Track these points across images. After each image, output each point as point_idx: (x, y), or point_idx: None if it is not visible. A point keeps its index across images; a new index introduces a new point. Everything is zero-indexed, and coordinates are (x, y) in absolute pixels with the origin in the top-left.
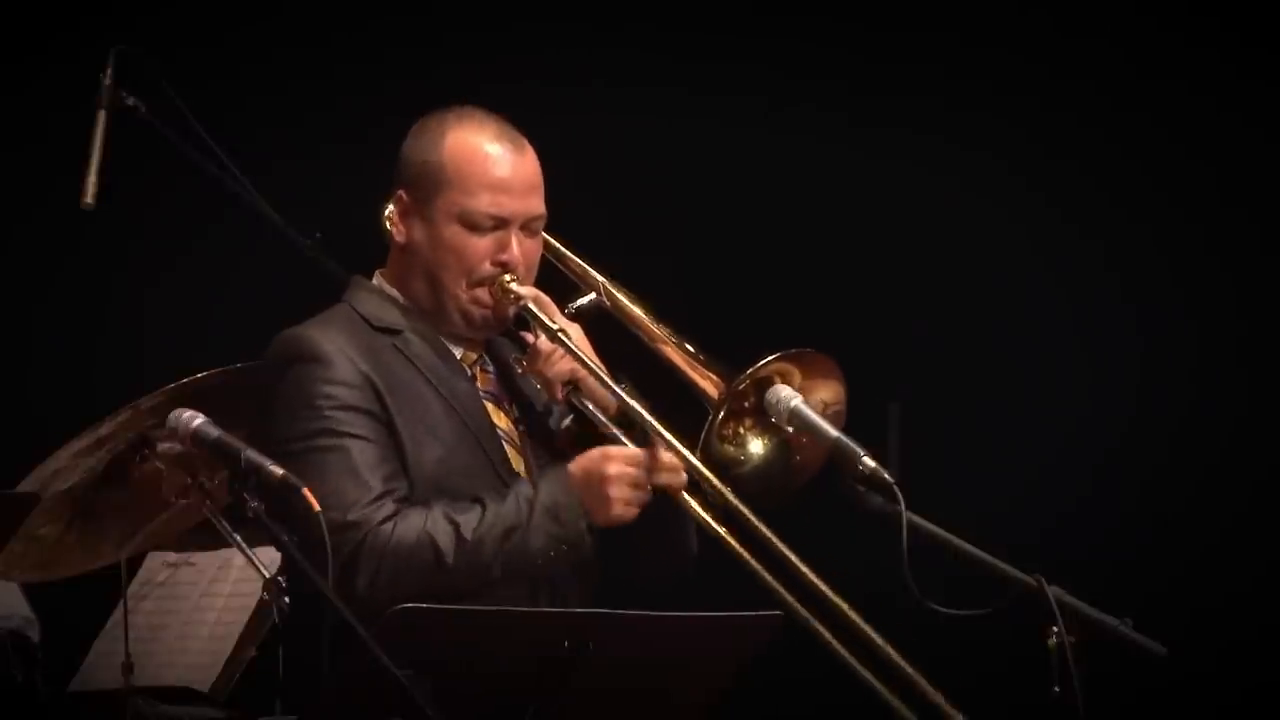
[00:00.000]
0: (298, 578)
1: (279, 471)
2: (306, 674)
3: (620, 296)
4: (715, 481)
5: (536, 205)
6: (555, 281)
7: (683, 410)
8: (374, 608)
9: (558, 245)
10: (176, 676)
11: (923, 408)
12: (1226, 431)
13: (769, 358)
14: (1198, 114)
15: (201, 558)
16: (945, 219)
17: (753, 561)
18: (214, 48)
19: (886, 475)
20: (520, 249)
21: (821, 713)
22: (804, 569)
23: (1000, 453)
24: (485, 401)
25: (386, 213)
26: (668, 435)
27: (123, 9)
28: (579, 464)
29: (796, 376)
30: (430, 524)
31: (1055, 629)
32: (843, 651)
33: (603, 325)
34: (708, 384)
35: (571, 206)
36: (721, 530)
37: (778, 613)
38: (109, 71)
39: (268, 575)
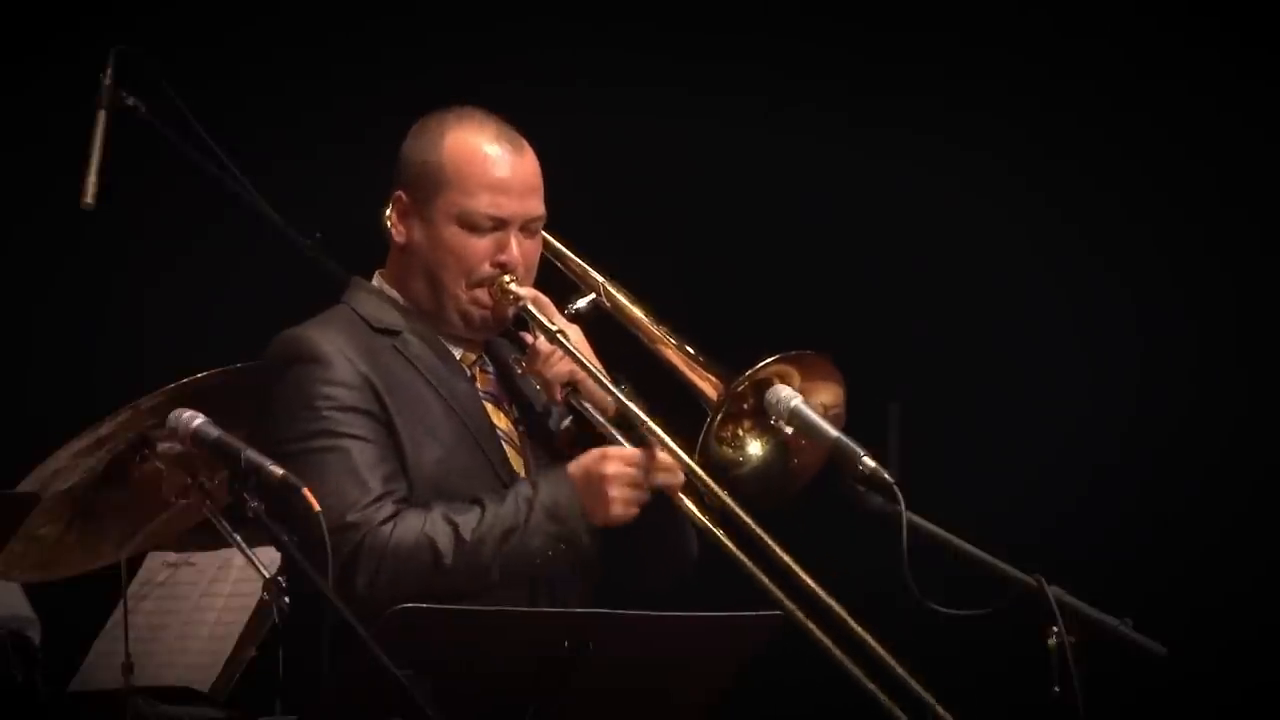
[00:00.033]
0: (298, 578)
1: (279, 471)
2: (306, 674)
3: (620, 297)
4: (711, 484)
5: (536, 206)
6: (555, 282)
7: (682, 412)
8: (373, 608)
9: (557, 245)
10: (176, 676)
11: (923, 408)
12: (1226, 431)
13: (768, 360)
14: (1198, 114)
15: (201, 558)
16: (945, 219)
17: (749, 563)
18: (214, 48)
19: (886, 475)
20: (519, 250)
21: (820, 713)
22: (799, 571)
23: (1000, 453)
24: (485, 402)
25: (386, 213)
26: (665, 437)
27: (123, 9)
28: (578, 464)
29: (796, 378)
30: (429, 525)
31: (1055, 629)
32: (838, 653)
33: (602, 326)
34: (707, 386)
35: (571, 206)
36: (719, 533)
37: (777, 613)
38: (109, 71)
39: (268, 575)
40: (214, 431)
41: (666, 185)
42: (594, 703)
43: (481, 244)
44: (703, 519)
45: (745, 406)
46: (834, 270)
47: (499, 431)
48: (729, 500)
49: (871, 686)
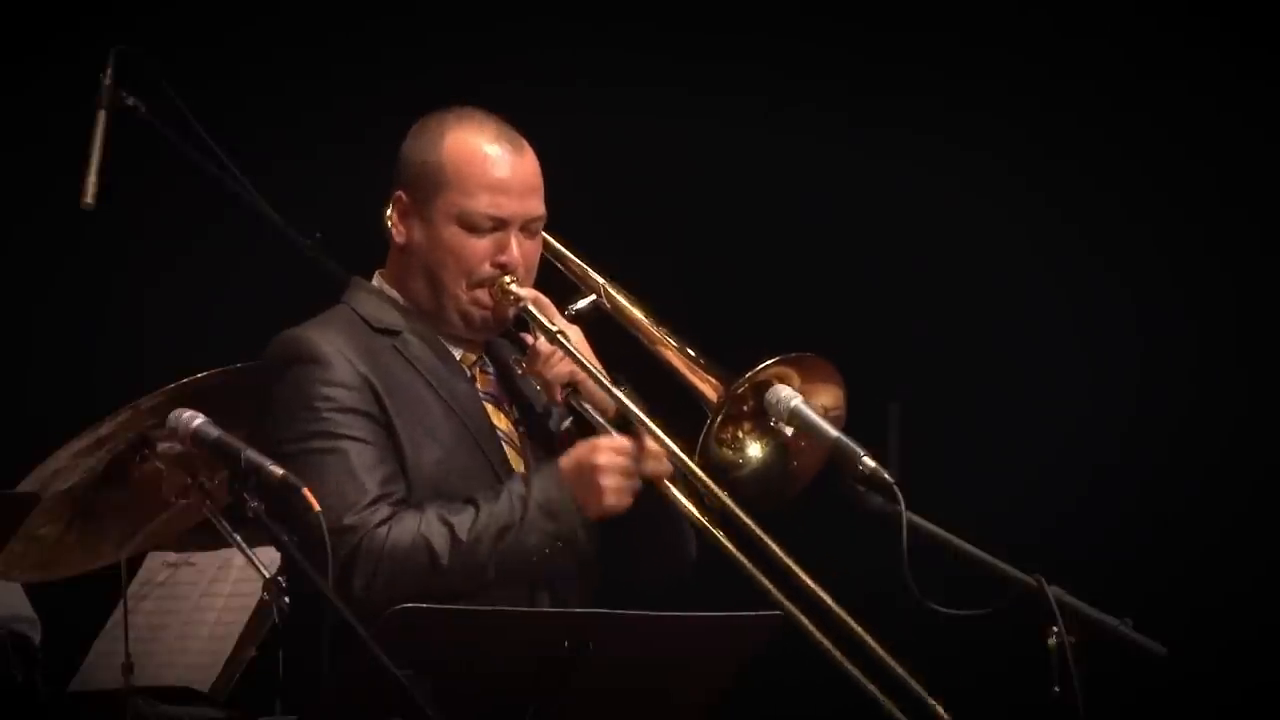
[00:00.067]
0: (298, 578)
1: (279, 471)
2: (306, 674)
3: (620, 298)
4: (710, 484)
5: (536, 206)
6: (555, 283)
7: (681, 413)
8: (371, 610)
9: (558, 246)
10: (176, 676)
11: (923, 408)
12: (1226, 431)
13: (768, 361)
14: (1198, 114)
15: (201, 558)
16: (945, 219)
17: (748, 563)
18: (214, 48)
19: (886, 475)
20: (519, 250)
21: (820, 713)
22: (799, 571)
23: (1000, 453)
24: (485, 403)
25: (387, 213)
26: (666, 439)
27: (123, 9)
28: (569, 458)
29: (796, 380)
30: (425, 526)
31: (1055, 629)
32: (837, 654)
33: (602, 327)
34: (707, 387)
35: (571, 206)
36: (719, 533)
37: (777, 613)
38: (109, 71)
39: (268, 575)
40: (214, 431)
41: (666, 185)
42: (594, 703)
43: (481, 244)
44: (702, 519)
45: (745, 408)
46: (834, 270)
47: (499, 432)
48: (728, 501)
49: (871, 687)
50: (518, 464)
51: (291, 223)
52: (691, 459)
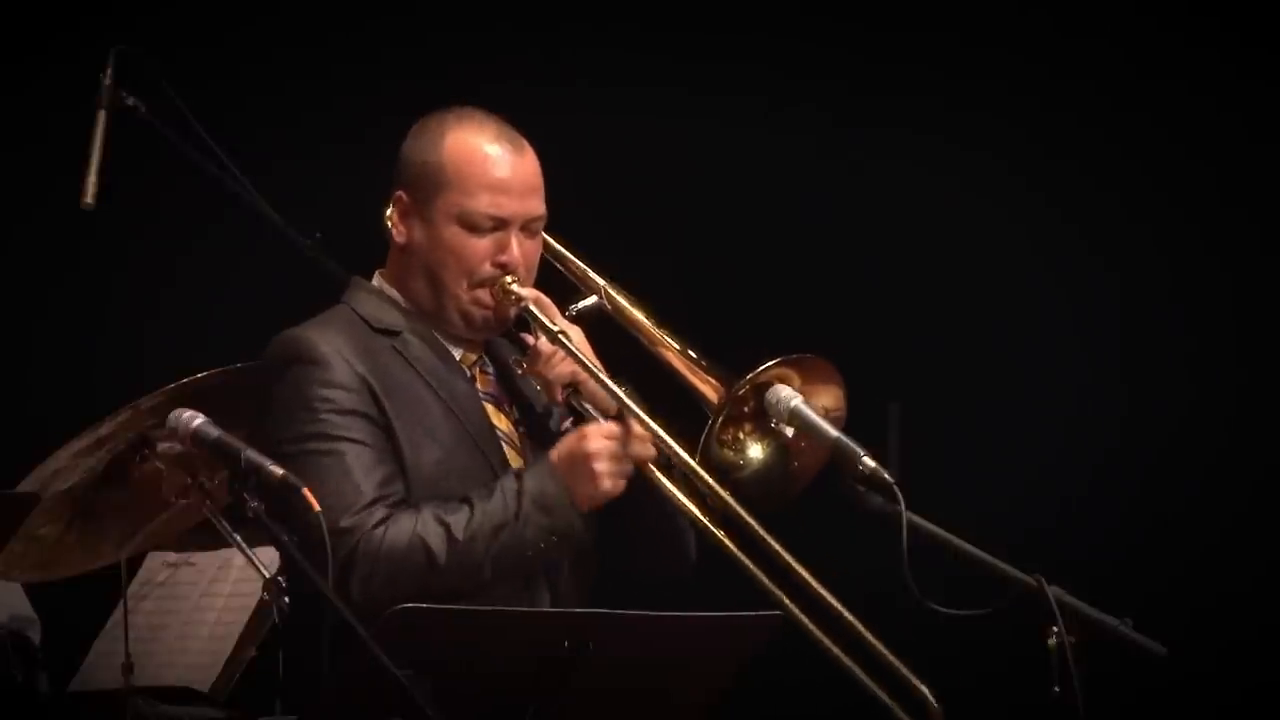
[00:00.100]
0: (298, 578)
1: (279, 472)
2: (306, 674)
3: (621, 299)
4: (710, 482)
5: (536, 206)
6: (556, 283)
7: (682, 414)
8: (370, 611)
9: (558, 247)
10: (176, 676)
11: (923, 408)
12: (1226, 432)
13: (769, 363)
14: (1198, 114)
15: (201, 558)
16: (945, 219)
17: (748, 561)
18: (214, 48)
19: (886, 475)
20: (520, 250)
21: (820, 713)
22: (800, 569)
23: (1000, 453)
24: (485, 403)
25: (387, 213)
26: (668, 439)
27: (123, 9)
28: (559, 449)
29: (796, 381)
30: (421, 526)
31: (1055, 629)
32: (837, 651)
33: (603, 328)
34: (708, 388)
35: (571, 206)
36: (706, 518)
37: (777, 613)
38: (109, 71)
39: (268, 575)
40: (214, 431)
41: (666, 185)
42: (594, 703)
43: (482, 244)
44: (703, 519)
45: (746, 409)
46: (834, 271)
47: (499, 433)
48: (731, 501)
49: (873, 685)
50: (517, 464)
51: (291, 223)
52: (693, 460)
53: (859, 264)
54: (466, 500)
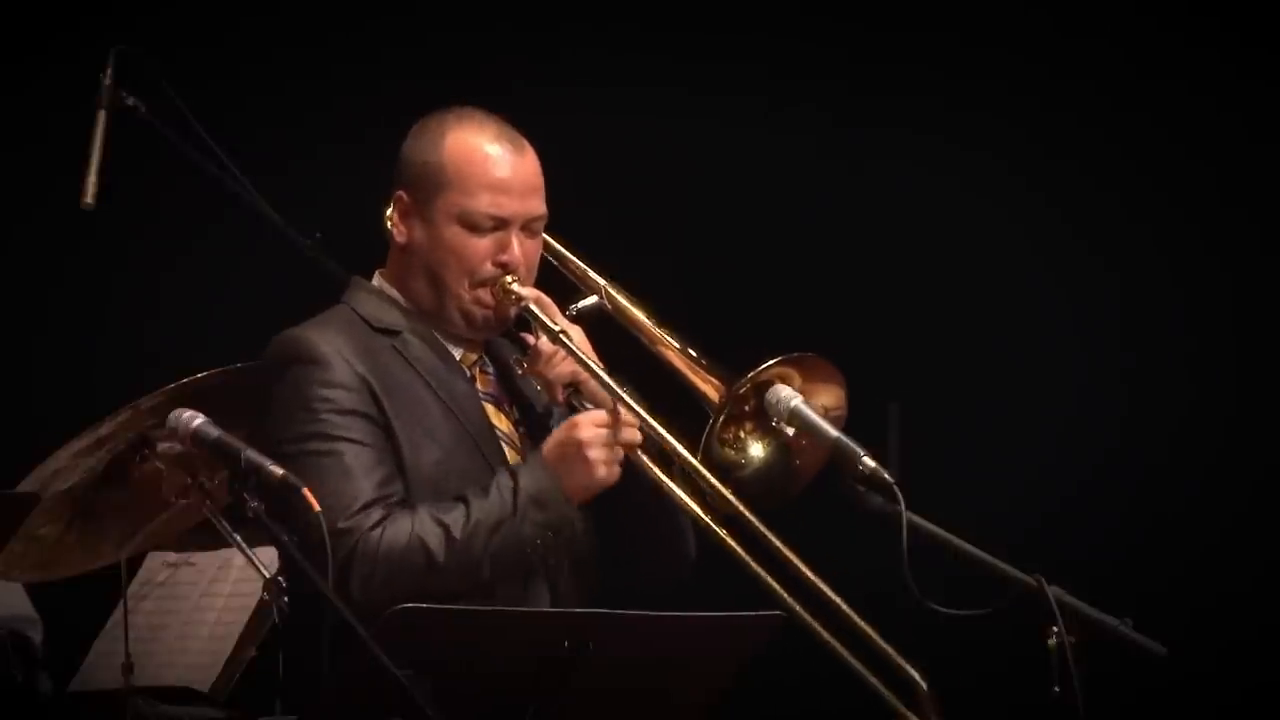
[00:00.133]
0: (297, 578)
1: (279, 471)
2: (306, 674)
3: (621, 299)
4: (711, 479)
5: (537, 206)
6: (556, 283)
7: (683, 413)
8: (369, 612)
9: (558, 247)
10: (176, 676)
11: (923, 408)
12: (1226, 432)
13: (770, 361)
14: (1198, 114)
15: (201, 558)
16: (945, 219)
17: (748, 557)
18: (214, 48)
19: (886, 475)
20: (521, 249)
21: (820, 713)
22: (799, 564)
23: (1000, 453)
24: (485, 403)
25: (387, 213)
26: (670, 438)
27: (123, 9)
28: (550, 443)
29: (797, 380)
30: (419, 526)
31: (1055, 629)
32: (839, 648)
33: (603, 328)
34: (708, 388)
35: (571, 206)
36: (706, 516)
37: (777, 613)
38: (109, 71)
39: (268, 575)
40: (214, 431)
41: (666, 185)
42: (594, 703)
43: (483, 244)
44: (704, 516)
45: (747, 408)
46: (834, 270)
47: (499, 433)
48: (734, 500)
49: (876, 682)
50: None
51: (291, 223)
52: (695, 458)
53: (859, 264)
54: (462, 500)
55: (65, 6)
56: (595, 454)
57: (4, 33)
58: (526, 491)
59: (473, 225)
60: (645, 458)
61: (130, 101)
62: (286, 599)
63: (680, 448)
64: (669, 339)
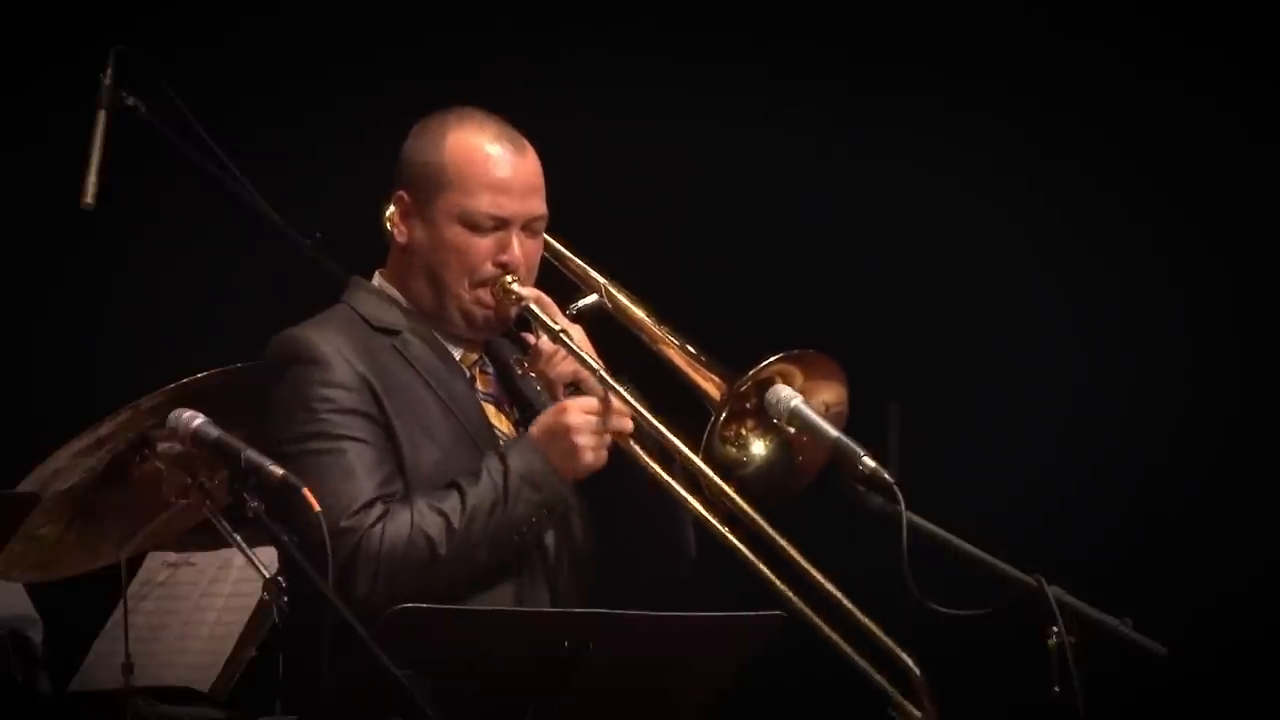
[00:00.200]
0: (298, 578)
1: (279, 471)
2: (306, 674)
3: (621, 298)
4: (717, 481)
5: (537, 206)
6: (556, 283)
7: (684, 412)
8: (373, 610)
9: (558, 247)
10: (176, 676)
11: (923, 408)
12: (1226, 432)
13: (771, 359)
14: (1198, 114)
15: (201, 558)
16: (945, 219)
17: (749, 553)
18: (214, 48)
19: (886, 475)
20: (521, 249)
21: (820, 713)
22: (801, 559)
23: (1000, 453)
24: (485, 404)
25: (387, 213)
26: (672, 437)
27: (123, 9)
28: (538, 425)
29: (798, 378)
30: (419, 518)
31: (1055, 629)
32: (842, 644)
33: (604, 327)
34: (709, 385)
35: (571, 206)
36: (707, 513)
37: (778, 613)
38: (109, 71)
39: (268, 575)
40: (214, 431)
41: (666, 185)
42: (594, 703)
43: (483, 244)
44: (704, 513)
45: (748, 406)
46: (834, 270)
47: (499, 433)
48: (736, 497)
49: (879, 678)
50: None
51: (291, 223)
52: (697, 457)
53: (859, 264)
54: (455, 486)
55: (65, 6)
56: (582, 440)
57: (4, 33)
58: (517, 472)
59: (473, 225)
60: (646, 455)
61: (130, 101)
62: (286, 599)
63: (682, 446)
64: (669, 337)
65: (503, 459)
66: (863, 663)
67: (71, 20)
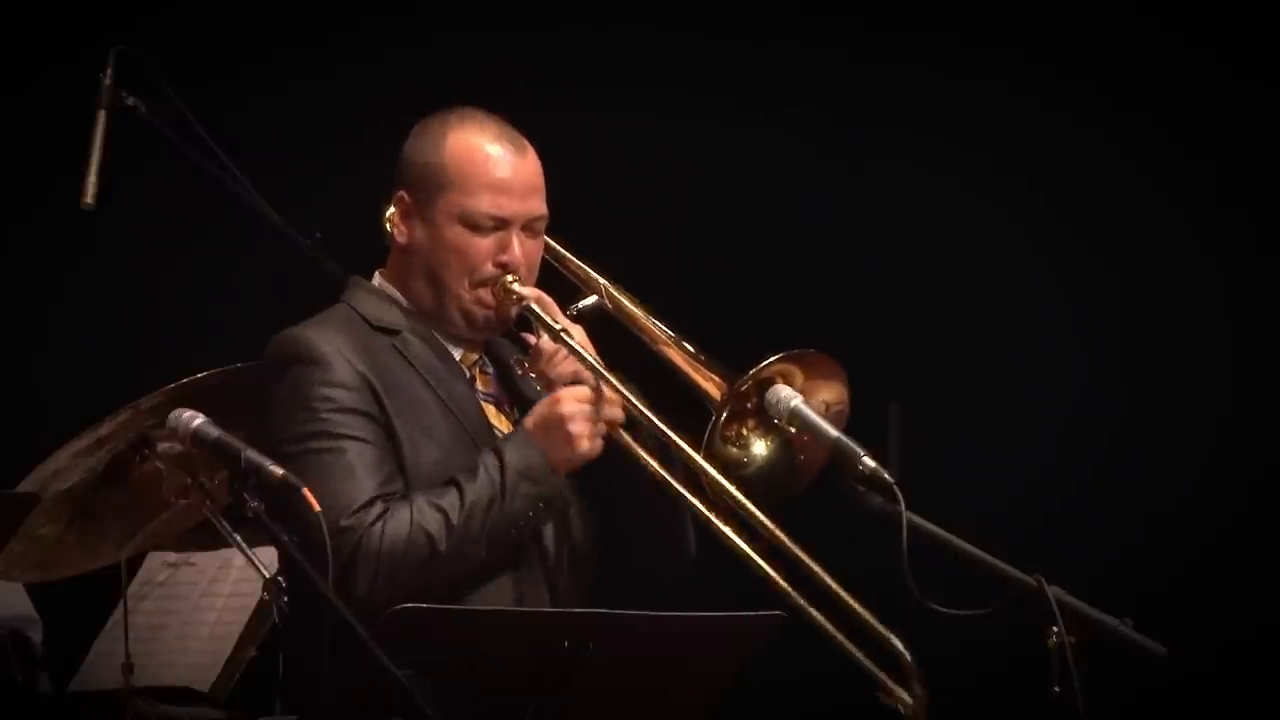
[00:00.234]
0: (298, 578)
1: (279, 471)
2: (306, 674)
3: (622, 298)
4: (719, 478)
5: (538, 206)
6: (557, 283)
7: (685, 412)
8: (373, 609)
9: (558, 247)
10: (176, 676)
11: (923, 408)
12: (1225, 431)
13: (771, 358)
14: (1197, 114)
15: (201, 558)
16: (945, 219)
17: (704, 508)
18: (214, 48)
19: (886, 475)
20: (522, 249)
21: (821, 712)
22: (804, 556)
23: (1000, 453)
24: (485, 404)
25: (388, 213)
26: (674, 436)
27: (123, 9)
28: (531, 417)
29: (799, 377)
30: (418, 515)
31: (1055, 629)
32: (842, 640)
33: (604, 327)
34: (710, 385)
35: (571, 206)
36: (707, 511)
37: (778, 613)
38: (109, 71)
39: (268, 575)
40: (214, 431)
41: (666, 185)
42: (594, 703)
43: (484, 244)
44: (704, 510)
45: (749, 405)
46: (834, 270)
47: (498, 433)
48: (738, 495)
49: (882, 676)
50: None
51: (291, 223)
52: (699, 456)
53: (859, 264)
54: (453, 483)
55: (65, 6)
56: (577, 428)
57: (4, 33)
58: (513, 466)
59: (474, 225)
60: (646, 454)
61: (130, 101)
62: (286, 599)
63: (684, 445)
64: (670, 338)
65: (499, 454)
66: (850, 645)
67: (71, 20)
